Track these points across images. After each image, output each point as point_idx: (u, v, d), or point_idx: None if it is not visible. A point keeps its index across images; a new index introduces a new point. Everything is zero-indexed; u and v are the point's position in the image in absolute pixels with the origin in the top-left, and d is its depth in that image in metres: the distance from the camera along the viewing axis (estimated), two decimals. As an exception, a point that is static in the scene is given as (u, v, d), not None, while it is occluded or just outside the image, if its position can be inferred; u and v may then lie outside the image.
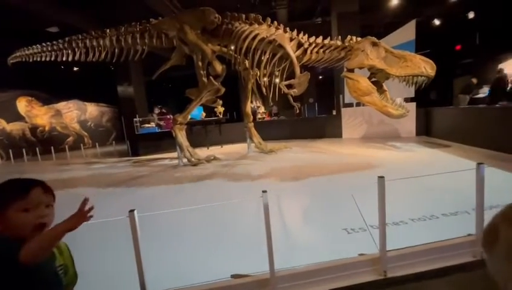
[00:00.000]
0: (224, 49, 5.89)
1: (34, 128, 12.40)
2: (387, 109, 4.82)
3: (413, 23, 6.85)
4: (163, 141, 8.75)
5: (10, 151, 10.75)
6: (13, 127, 11.68)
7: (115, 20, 6.69)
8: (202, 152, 6.76)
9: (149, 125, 9.16)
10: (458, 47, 12.17)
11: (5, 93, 11.39)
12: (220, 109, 8.93)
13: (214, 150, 7.83)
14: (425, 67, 4.47)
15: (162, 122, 9.44)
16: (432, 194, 2.94)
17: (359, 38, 5.01)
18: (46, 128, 12.88)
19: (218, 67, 5.44)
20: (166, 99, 14.76)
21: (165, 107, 11.10)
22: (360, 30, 8.42)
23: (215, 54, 5.61)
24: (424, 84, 4.53)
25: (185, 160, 5.90)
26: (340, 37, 5.19)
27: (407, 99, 7.37)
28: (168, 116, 9.33)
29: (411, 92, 6.83)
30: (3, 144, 11.20)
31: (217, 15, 5.28)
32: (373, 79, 5.07)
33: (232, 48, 5.58)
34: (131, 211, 1.50)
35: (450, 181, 3.01)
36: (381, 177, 1.68)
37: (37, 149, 10.91)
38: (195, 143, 7.03)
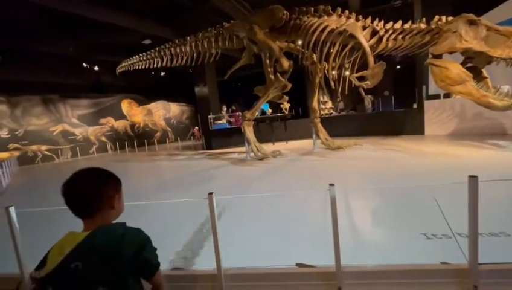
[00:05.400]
0: (292, 45, 5.91)
1: (132, 125, 15.08)
2: (487, 99, 3.99)
3: (531, -10, 5.44)
4: (233, 136, 9.41)
5: (117, 143, 13.46)
6: (119, 124, 14.47)
7: (194, 27, 7.49)
8: (268, 147, 6.98)
9: (221, 121, 9.96)
10: None
11: (114, 97, 14.25)
12: (286, 105, 9.00)
13: (279, 146, 7.96)
14: (548, 44, 3.51)
15: (231, 119, 10.13)
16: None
17: (450, 18, 4.27)
18: (141, 125, 15.48)
19: (285, 63, 5.49)
20: (236, 97, 15.71)
21: (234, 104, 11.86)
22: (452, 8, 7.13)
23: (282, 50, 5.69)
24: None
25: (252, 154, 6.22)
26: (424, 19, 4.55)
27: (519, 87, 5.91)
28: (237, 113, 9.95)
29: (525, 77, 5.46)
30: (112, 138, 13.99)
31: (285, 12, 5.33)
32: (468, 65, 4.27)
33: (300, 42, 5.55)
34: (210, 193, 1.71)
35: None
36: (473, 177, 1.45)
37: (135, 142, 13.31)
38: (261, 139, 7.31)
